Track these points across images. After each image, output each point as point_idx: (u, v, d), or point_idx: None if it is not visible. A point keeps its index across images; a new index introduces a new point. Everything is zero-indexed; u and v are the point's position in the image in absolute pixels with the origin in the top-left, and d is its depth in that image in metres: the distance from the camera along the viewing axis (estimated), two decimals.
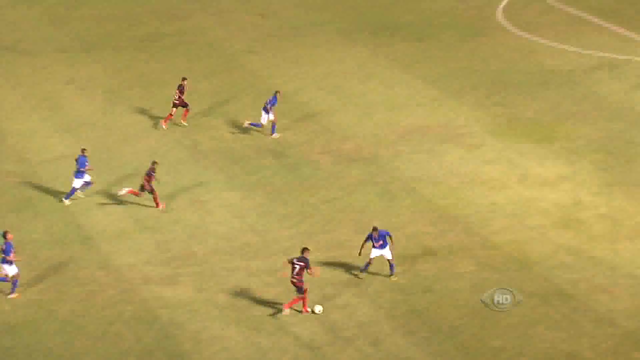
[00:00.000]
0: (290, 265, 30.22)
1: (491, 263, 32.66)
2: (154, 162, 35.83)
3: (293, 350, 29.01)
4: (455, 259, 32.79)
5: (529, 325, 29.79)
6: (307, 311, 30.32)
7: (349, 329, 29.85)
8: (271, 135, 40.68)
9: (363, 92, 45.49)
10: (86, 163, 36.00)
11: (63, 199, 36.12)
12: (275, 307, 30.52)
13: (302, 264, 30.06)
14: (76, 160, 36.09)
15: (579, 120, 42.42)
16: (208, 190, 37.24)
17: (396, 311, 30.58)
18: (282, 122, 42.20)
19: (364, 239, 31.67)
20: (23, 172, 38.56)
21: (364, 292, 31.28)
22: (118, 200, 36.48)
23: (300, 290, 30.21)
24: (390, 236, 31.66)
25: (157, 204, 35.70)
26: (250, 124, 40.82)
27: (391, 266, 31.74)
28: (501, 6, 55.34)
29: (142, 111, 43.82)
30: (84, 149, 36.53)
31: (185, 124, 41.92)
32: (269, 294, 31.35)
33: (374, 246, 31.55)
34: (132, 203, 36.30)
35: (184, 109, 41.77)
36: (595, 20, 53.14)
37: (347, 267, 32.52)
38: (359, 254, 31.63)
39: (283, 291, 31.37)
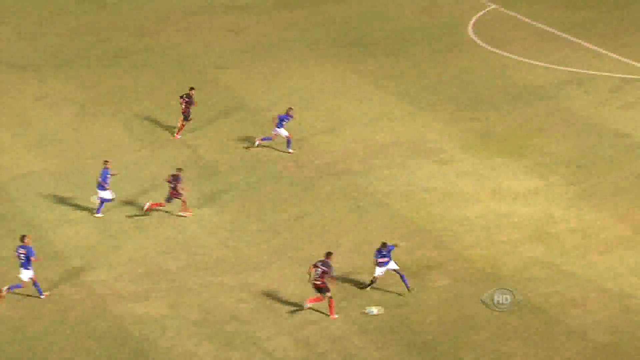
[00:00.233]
0: (313, 269, 30.65)
1: (463, 277, 32.73)
2: (179, 169, 36.05)
3: None
4: (428, 273, 32.83)
5: (502, 340, 29.85)
6: (334, 317, 30.59)
7: (322, 344, 29.79)
8: (288, 150, 40.76)
9: (335, 107, 45.56)
10: (108, 176, 35.88)
11: (95, 214, 36.04)
12: (296, 305, 30.41)
13: (325, 268, 30.66)
14: (100, 174, 35.96)
15: (549, 134, 42.68)
16: (180, 205, 37.10)
17: (369, 326, 30.56)
18: (254, 137, 42.16)
19: (375, 256, 31.49)
20: None
21: (336, 306, 31.22)
22: (89, 216, 36.28)
23: (322, 290, 30.55)
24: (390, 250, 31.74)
25: (185, 210, 35.81)
26: (263, 139, 40.94)
27: (403, 278, 31.60)
28: (472, 22, 55.66)
29: (113, 127, 43.66)
30: (107, 161, 36.37)
31: (177, 137, 41.85)
32: (241, 310, 31.25)
33: (378, 263, 31.49)
34: (103, 218, 36.11)
35: (184, 120, 41.73)
36: (565, 35, 53.55)
37: None
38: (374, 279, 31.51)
39: (256, 307, 31.29)
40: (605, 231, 35.32)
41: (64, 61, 50.70)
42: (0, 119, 44.51)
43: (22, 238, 31.52)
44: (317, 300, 30.75)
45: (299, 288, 32.07)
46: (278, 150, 41.34)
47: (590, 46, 52.10)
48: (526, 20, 55.89)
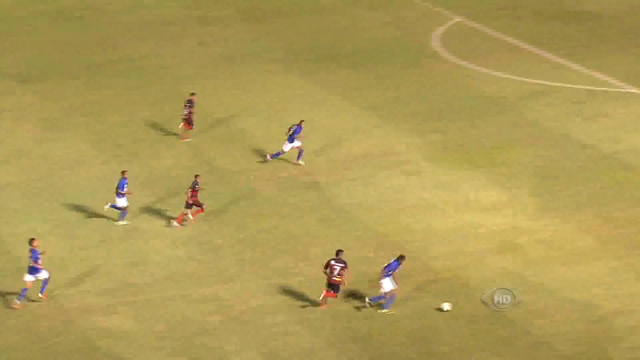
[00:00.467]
0: (329, 268, 31.34)
1: (431, 289, 32.87)
2: (197, 176, 36.26)
3: None
4: (396, 285, 32.93)
5: (469, 351, 29.98)
6: (323, 307, 31.43)
7: (290, 357, 29.80)
8: (297, 161, 40.80)
9: (302, 119, 45.59)
10: (125, 186, 36.06)
11: (117, 222, 36.17)
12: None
13: (342, 264, 31.45)
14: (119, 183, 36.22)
15: (515, 146, 42.98)
16: (147, 219, 37.03)
17: (337, 338, 30.60)
18: (222, 149, 42.20)
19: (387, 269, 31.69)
20: None
21: (305, 319, 31.27)
22: (55, 230, 36.11)
23: (337, 287, 31.26)
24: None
25: (193, 215, 36.12)
26: (273, 156, 40.94)
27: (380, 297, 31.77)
28: (438, 35, 55.98)
29: (82, 140, 43.50)
30: (124, 171, 36.51)
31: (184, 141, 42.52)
32: (209, 323, 31.20)
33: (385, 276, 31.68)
34: (68, 233, 35.95)
35: (187, 125, 42.29)
36: (530, 48, 53.99)
37: (288, 295, 32.49)
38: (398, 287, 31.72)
39: (224, 320, 31.25)
40: (571, 242, 35.59)
41: (31, 74, 50.43)
42: None
43: (31, 242, 32.03)
44: (332, 296, 31.48)
45: (269, 300, 32.07)
46: (246, 162, 41.34)
47: (555, 58, 52.55)
48: (491, 32, 56.30)
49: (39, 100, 47.58)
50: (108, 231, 36.11)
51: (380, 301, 31.68)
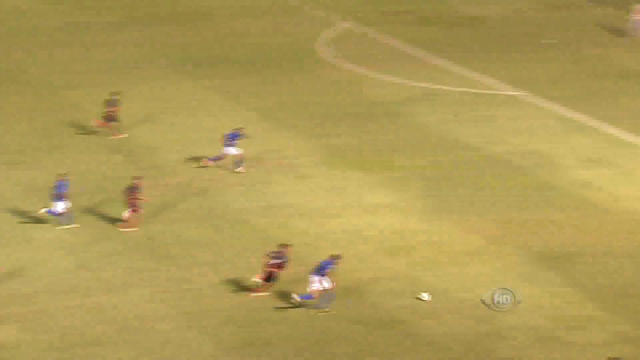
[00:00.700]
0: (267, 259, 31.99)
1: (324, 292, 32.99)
2: (137, 177, 35.78)
3: None
4: (288, 288, 33.02)
5: (362, 354, 30.22)
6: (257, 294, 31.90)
7: None
8: (237, 169, 40.40)
9: (191, 125, 45.45)
10: (64, 188, 35.46)
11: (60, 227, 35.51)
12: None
13: (280, 260, 32.05)
14: (55, 185, 35.47)
15: (403, 149, 43.57)
16: (36, 227, 36.38)
17: (227, 342, 30.52)
18: (109, 158, 41.73)
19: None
20: None
21: (202, 326, 31.11)
22: None
23: (272, 278, 31.97)
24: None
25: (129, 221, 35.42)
26: (210, 160, 40.54)
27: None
28: (326, 40, 56.43)
29: None
30: (63, 174, 35.97)
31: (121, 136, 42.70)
32: (99, 333, 30.80)
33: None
34: None
35: (108, 122, 42.42)
36: (417, 52, 54.81)
37: (179, 302, 32.29)
38: None
39: (115, 329, 30.91)
40: (458, 243, 36.24)
41: None
42: None
43: None
44: (265, 286, 31.86)
45: (161, 309, 31.81)
46: (134, 169, 40.93)
47: (442, 62, 53.46)
48: (379, 37, 57.00)
49: None
50: None
51: (310, 300, 31.59)
